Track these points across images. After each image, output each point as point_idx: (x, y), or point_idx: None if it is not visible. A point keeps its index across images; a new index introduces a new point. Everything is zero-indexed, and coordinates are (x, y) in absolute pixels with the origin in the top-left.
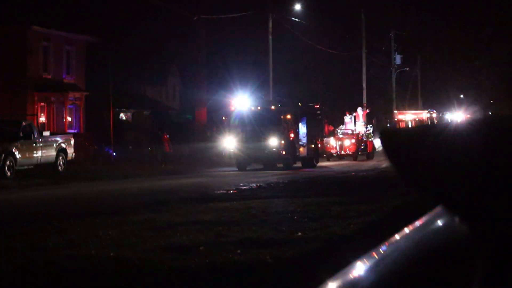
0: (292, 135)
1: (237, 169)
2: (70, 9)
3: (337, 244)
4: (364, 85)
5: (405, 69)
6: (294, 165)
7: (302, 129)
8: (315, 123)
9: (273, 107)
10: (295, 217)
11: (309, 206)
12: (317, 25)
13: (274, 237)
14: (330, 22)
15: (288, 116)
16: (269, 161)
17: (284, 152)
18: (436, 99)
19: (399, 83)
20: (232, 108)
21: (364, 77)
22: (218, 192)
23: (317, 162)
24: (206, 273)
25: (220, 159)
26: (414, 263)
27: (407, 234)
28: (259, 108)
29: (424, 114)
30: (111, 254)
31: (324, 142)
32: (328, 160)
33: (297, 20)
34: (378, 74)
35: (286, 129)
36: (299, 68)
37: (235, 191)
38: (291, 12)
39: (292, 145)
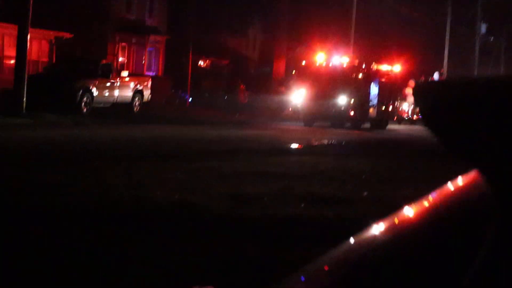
0: (362, 95)
1: (303, 124)
2: None
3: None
4: (446, 52)
5: (489, 38)
6: (362, 126)
7: (374, 90)
8: (388, 85)
9: (345, 65)
10: (363, 176)
11: (378, 167)
12: None
13: (339, 194)
14: None
15: (360, 76)
16: (337, 119)
17: (352, 112)
18: None
19: (482, 52)
20: (304, 63)
21: (446, 43)
22: (288, 145)
23: (387, 124)
24: (267, 224)
25: (288, 113)
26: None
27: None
28: (331, 65)
29: None
30: (176, 197)
31: (395, 105)
32: (399, 123)
33: None
34: (461, 43)
35: (356, 88)
36: (381, 28)
37: (305, 146)
38: None
39: (361, 105)
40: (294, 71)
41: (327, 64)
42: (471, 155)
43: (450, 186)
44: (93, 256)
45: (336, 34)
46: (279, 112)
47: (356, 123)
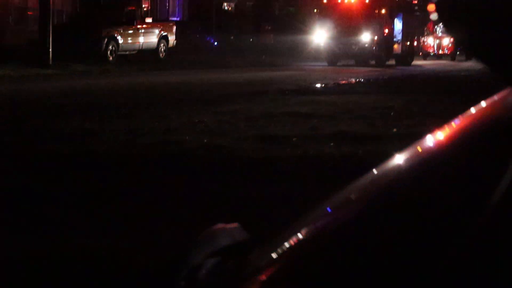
0: (386, 31)
1: (326, 64)
2: None
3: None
4: None
5: None
6: (387, 63)
7: (398, 25)
8: (412, 19)
9: (367, 1)
10: (392, 113)
11: (405, 103)
12: None
13: (368, 132)
14: None
15: (383, 11)
16: (361, 57)
17: (376, 49)
18: None
19: None
20: (324, 0)
21: None
22: (315, 85)
23: (412, 60)
24: (296, 163)
25: (310, 53)
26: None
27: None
28: (353, 1)
29: None
30: (205, 140)
31: (421, 40)
32: (425, 59)
33: None
34: None
35: (380, 24)
36: None
37: (331, 85)
38: None
39: (385, 41)
40: (316, 9)
41: (350, 1)
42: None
43: (479, 106)
44: (124, 196)
45: None
46: (302, 52)
47: (380, 60)
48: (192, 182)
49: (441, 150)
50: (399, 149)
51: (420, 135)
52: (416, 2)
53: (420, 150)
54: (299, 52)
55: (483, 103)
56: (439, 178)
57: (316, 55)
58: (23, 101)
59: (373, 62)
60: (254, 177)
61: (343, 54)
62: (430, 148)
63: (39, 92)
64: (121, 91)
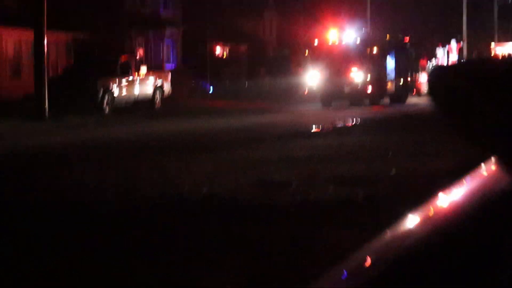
0: (379, 69)
1: (321, 106)
2: None
3: (431, 183)
4: (464, 17)
5: (508, 1)
6: (381, 102)
7: (390, 63)
8: (405, 56)
9: (358, 40)
10: (390, 154)
11: (402, 143)
12: None
13: (367, 174)
14: None
15: (375, 49)
16: (354, 97)
17: (370, 88)
18: None
19: (502, 15)
20: (315, 42)
21: (464, 9)
22: (311, 128)
23: (406, 98)
24: (297, 209)
25: (304, 96)
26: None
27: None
28: (343, 41)
29: None
30: (204, 190)
31: (414, 77)
32: (419, 96)
33: None
34: (480, 5)
35: (372, 63)
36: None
37: (328, 127)
38: None
39: (378, 80)
40: (307, 51)
41: (340, 41)
42: (492, 143)
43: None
44: (128, 245)
45: (352, 10)
46: (296, 95)
47: (374, 99)
48: (193, 231)
49: (450, 219)
50: (400, 192)
51: (419, 177)
52: (408, 38)
53: (431, 214)
54: (294, 95)
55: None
56: (450, 249)
57: (310, 97)
58: (20, 155)
59: (367, 101)
60: (255, 224)
61: (337, 95)
62: (440, 214)
63: (36, 146)
64: (119, 143)
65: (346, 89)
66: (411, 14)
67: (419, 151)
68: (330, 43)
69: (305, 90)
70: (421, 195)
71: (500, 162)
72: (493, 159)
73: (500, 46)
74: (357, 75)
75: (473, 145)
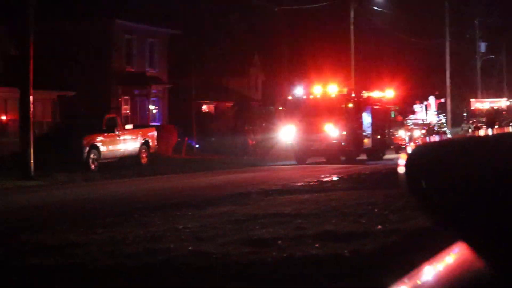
0: (355, 125)
1: (295, 163)
2: (152, 2)
3: (418, 238)
4: (447, 73)
5: (490, 57)
6: (358, 158)
7: (367, 119)
8: (381, 112)
9: (333, 96)
10: (376, 209)
11: (387, 198)
12: (399, 12)
13: (353, 230)
14: (412, 9)
15: (350, 105)
16: (330, 154)
17: (346, 144)
18: None
19: (484, 71)
20: (290, 97)
21: (447, 65)
22: (298, 184)
23: (384, 154)
24: (284, 267)
25: (280, 152)
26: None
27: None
28: (318, 96)
29: (503, 102)
30: (190, 248)
31: (391, 133)
32: (397, 152)
33: (378, 8)
34: (462, 62)
35: (348, 119)
36: (380, 56)
37: (310, 183)
38: (372, 1)
39: (354, 136)
40: (280, 107)
41: (315, 97)
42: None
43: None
44: None
45: (336, 67)
46: (273, 151)
47: (350, 155)
48: None
49: None
50: (387, 247)
51: (405, 231)
52: (384, 94)
53: None
54: (272, 151)
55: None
56: None
57: (285, 153)
58: (7, 214)
59: (344, 158)
60: (242, 281)
61: (312, 151)
62: None
63: (22, 204)
64: (105, 200)
65: (322, 145)
66: (394, 70)
67: (404, 206)
68: (305, 99)
69: (280, 146)
70: (407, 254)
71: (468, 244)
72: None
73: (480, 102)
74: (332, 131)
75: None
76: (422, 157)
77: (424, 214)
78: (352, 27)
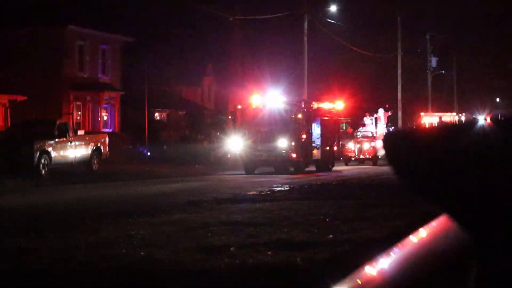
0: (304, 136)
1: (244, 172)
2: (105, 9)
3: (367, 248)
4: (399, 87)
5: (441, 72)
6: (307, 169)
7: (316, 130)
8: (331, 123)
9: (282, 106)
10: (327, 219)
11: (337, 209)
12: (352, 26)
13: (305, 239)
14: (365, 23)
15: (300, 116)
16: (279, 164)
17: (295, 155)
18: (472, 102)
19: (435, 85)
20: (239, 106)
21: (399, 79)
22: (249, 193)
23: (333, 166)
24: (236, 274)
25: (228, 161)
26: (417, 268)
27: (412, 241)
28: (267, 106)
29: (451, 117)
30: (142, 253)
31: (341, 145)
32: (346, 164)
33: (332, 21)
34: (413, 77)
35: (297, 129)
36: (333, 68)
37: (260, 193)
38: (326, 13)
39: (304, 147)
40: (230, 116)
41: (264, 107)
42: (441, 198)
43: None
44: None
45: (288, 77)
46: (221, 160)
47: (299, 166)
48: None
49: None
50: (338, 256)
51: (356, 241)
52: (334, 106)
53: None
54: (220, 161)
55: (422, 230)
56: None
57: (234, 163)
58: None
59: (292, 169)
60: None
61: (261, 161)
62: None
63: None
64: (55, 206)
65: (270, 156)
66: (344, 82)
67: (355, 217)
68: (254, 108)
69: (228, 156)
70: (360, 258)
71: (451, 217)
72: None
73: (428, 116)
74: (281, 141)
75: (425, 200)
76: (395, 141)
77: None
78: (305, 38)
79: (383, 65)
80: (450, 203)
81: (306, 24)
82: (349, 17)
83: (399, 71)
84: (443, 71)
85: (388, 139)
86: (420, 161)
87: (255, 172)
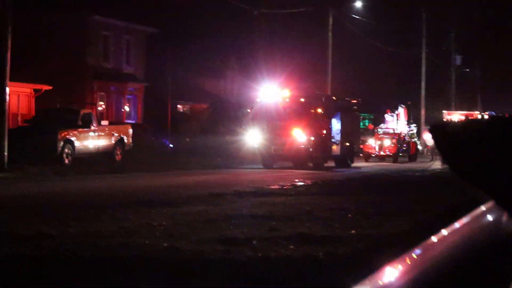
0: (323, 131)
1: (262, 166)
2: (130, 0)
3: (390, 243)
4: (423, 84)
5: (465, 70)
6: (326, 165)
7: (336, 125)
8: (351, 119)
9: (302, 100)
10: (349, 214)
11: (359, 204)
12: (377, 22)
13: (327, 233)
14: (389, 20)
15: (319, 110)
16: (298, 159)
17: (313, 150)
18: (497, 101)
19: (459, 83)
20: (258, 100)
21: (423, 76)
22: (271, 187)
23: (352, 162)
24: (258, 266)
25: (244, 155)
26: (458, 259)
27: (453, 231)
28: (287, 100)
29: (474, 115)
30: (164, 244)
31: (361, 140)
32: (366, 160)
33: (356, 17)
34: (437, 74)
35: (316, 124)
36: (356, 64)
37: (281, 187)
38: (350, 9)
39: (323, 142)
40: (248, 110)
41: (284, 100)
42: (493, 189)
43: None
44: None
45: (311, 72)
46: (240, 154)
47: (318, 162)
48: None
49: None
50: (360, 250)
51: (379, 236)
52: (355, 101)
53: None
54: (239, 155)
55: (464, 220)
56: None
57: (252, 157)
58: None
59: (310, 164)
60: (217, 281)
61: (279, 156)
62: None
63: None
64: (78, 194)
65: (289, 150)
66: (367, 78)
67: (376, 212)
68: (274, 102)
69: (246, 150)
70: (382, 254)
71: (499, 205)
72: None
73: (449, 114)
74: (300, 136)
75: (474, 188)
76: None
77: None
78: (330, 33)
79: (406, 61)
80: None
81: (331, 19)
82: (374, 13)
83: (423, 68)
84: (467, 69)
85: (441, 131)
86: (473, 153)
87: (274, 166)
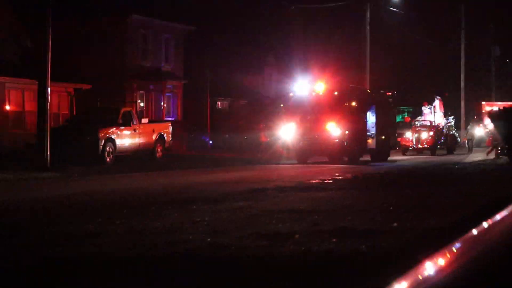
0: (358, 124)
1: (296, 162)
2: None
3: (433, 236)
4: (462, 76)
5: (505, 61)
6: (362, 159)
7: (371, 118)
8: (387, 112)
9: (336, 93)
10: (391, 207)
11: (399, 198)
12: (414, 14)
13: (369, 227)
14: (427, 12)
15: (354, 104)
16: (333, 153)
17: (348, 144)
18: None
19: (499, 75)
20: (291, 94)
21: (462, 68)
22: (311, 182)
23: (388, 155)
24: (302, 261)
25: (278, 150)
26: (486, 258)
27: (496, 224)
28: (320, 94)
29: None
30: (208, 240)
31: (398, 133)
32: (404, 154)
33: (394, 10)
34: (477, 66)
35: (351, 118)
36: (394, 57)
37: (321, 182)
38: (388, 1)
39: (358, 136)
40: (282, 104)
41: (318, 94)
42: None
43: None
44: None
45: (347, 65)
46: (273, 149)
47: (353, 156)
48: (201, 280)
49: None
50: (402, 244)
51: (420, 229)
52: (390, 94)
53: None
54: (275, 150)
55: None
56: None
57: (286, 152)
58: (23, 205)
59: (346, 158)
60: (262, 275)
61: (314, 151)
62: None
63: (39, 196)
64: (121, 192)
65: (323, 145)
66: (402, 70)
67: (418, 205)
68: (307, 96)
69: (279, 145)
70: (426, 247)
71: None
72: None
73: (489, 105)
74: (334, 130)
75: None
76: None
77: None
78: (368, 27)
79: (442, 52)
80: None
81: (368, 12)
82: (411, 6)
83: (463, 60)
84: (507, 60)
85: (494, 115)
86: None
87: (308, 161)
